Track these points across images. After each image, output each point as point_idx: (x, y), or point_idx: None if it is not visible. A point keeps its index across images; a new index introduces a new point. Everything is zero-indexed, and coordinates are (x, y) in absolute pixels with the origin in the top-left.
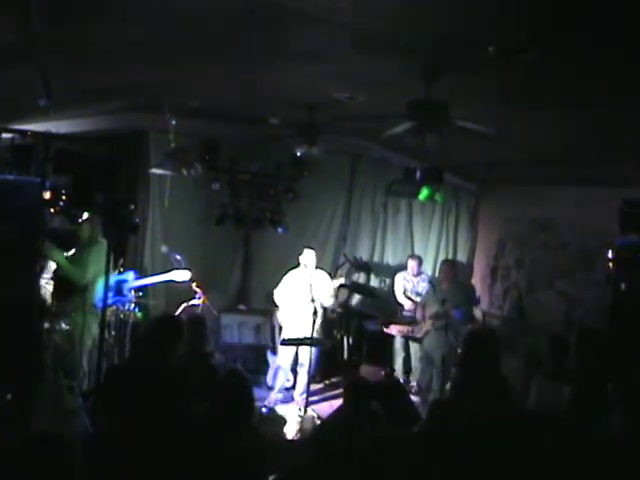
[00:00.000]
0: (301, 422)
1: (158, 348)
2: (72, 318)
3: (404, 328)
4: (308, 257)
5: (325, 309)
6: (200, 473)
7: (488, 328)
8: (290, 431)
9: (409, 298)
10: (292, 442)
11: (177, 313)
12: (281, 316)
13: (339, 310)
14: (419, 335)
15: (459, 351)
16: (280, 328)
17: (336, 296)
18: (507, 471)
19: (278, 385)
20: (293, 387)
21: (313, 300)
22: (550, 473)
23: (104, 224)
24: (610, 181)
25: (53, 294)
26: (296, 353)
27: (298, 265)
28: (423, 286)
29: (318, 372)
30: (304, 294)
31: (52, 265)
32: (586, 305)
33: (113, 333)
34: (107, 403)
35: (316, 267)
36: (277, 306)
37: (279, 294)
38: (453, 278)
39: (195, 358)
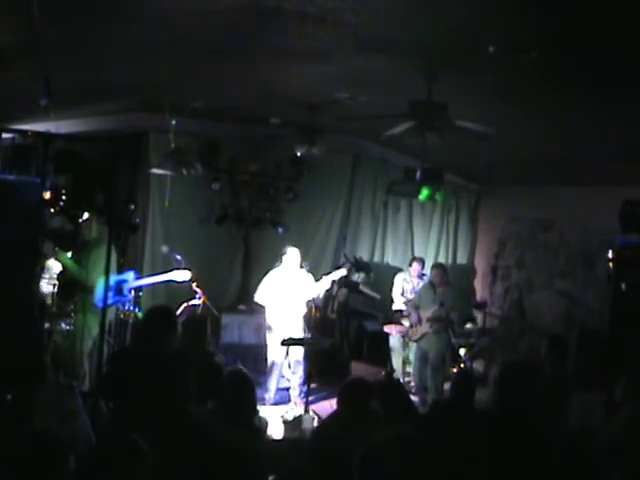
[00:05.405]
0: (300, 422)
1: (155, 335)
2: (75, 319)
3: (404, 328)
4: (292, 256)
5: (323, 309)
6: (201, 472)
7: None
8: (288, 432)
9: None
10: (292, 442)
11: (177, 313)
12: (269, 316)
13: (336, 309)
14: (414, 338)
15: (460, 351)
16: (269, 328)
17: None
18: (509, 471)
19: (273, 385)
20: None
21: (303, 299)
22: (552, 473)
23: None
24: (610, 181)
25: (57, 295)
26: (287, 352)
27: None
28: None
29: (316, 372)
30: (289, 293)
31: (53, 265)
32: (586, 305)
33: (113, 333)
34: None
35: (311, 267)
36: (263, 307)
37: (260, 295)
38: (446, 280)
39: (197, 357)
